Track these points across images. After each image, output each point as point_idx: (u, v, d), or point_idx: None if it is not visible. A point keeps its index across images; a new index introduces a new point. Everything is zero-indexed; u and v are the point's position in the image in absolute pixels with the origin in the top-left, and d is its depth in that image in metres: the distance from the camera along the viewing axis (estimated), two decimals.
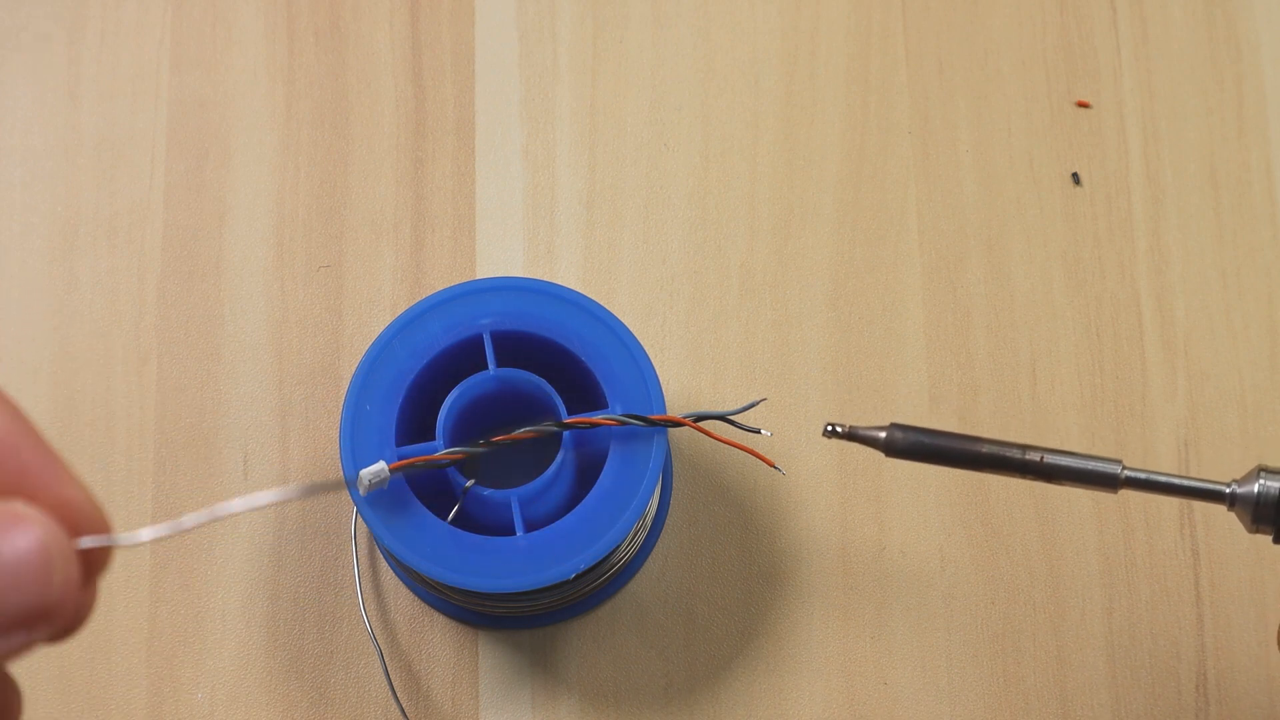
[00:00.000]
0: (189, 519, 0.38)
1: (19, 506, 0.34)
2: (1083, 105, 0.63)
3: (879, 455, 0.58)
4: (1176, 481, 0.47)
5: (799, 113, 0.63)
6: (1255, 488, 0.46)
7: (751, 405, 0.55)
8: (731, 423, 0.54)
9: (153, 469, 0.59)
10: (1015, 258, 0.61)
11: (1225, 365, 0.60)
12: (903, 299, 0.61)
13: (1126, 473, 0.47)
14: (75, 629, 0.34)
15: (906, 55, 0.63)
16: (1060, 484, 0.47)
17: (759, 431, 0.55)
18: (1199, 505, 0.58)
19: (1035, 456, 0.47)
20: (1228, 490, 0.46)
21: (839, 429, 0.48)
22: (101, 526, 0.36)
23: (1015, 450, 0.47)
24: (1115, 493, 0.47)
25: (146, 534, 0.37)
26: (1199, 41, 0.64)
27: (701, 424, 0.54)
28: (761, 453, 0.55)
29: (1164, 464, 0.59)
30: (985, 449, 0.47)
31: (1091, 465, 0.47)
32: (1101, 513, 0.59)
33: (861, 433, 0.48)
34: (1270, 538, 0.46)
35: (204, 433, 0.59)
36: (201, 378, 0.60)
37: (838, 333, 0.60)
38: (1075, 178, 0.62)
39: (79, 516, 0.35)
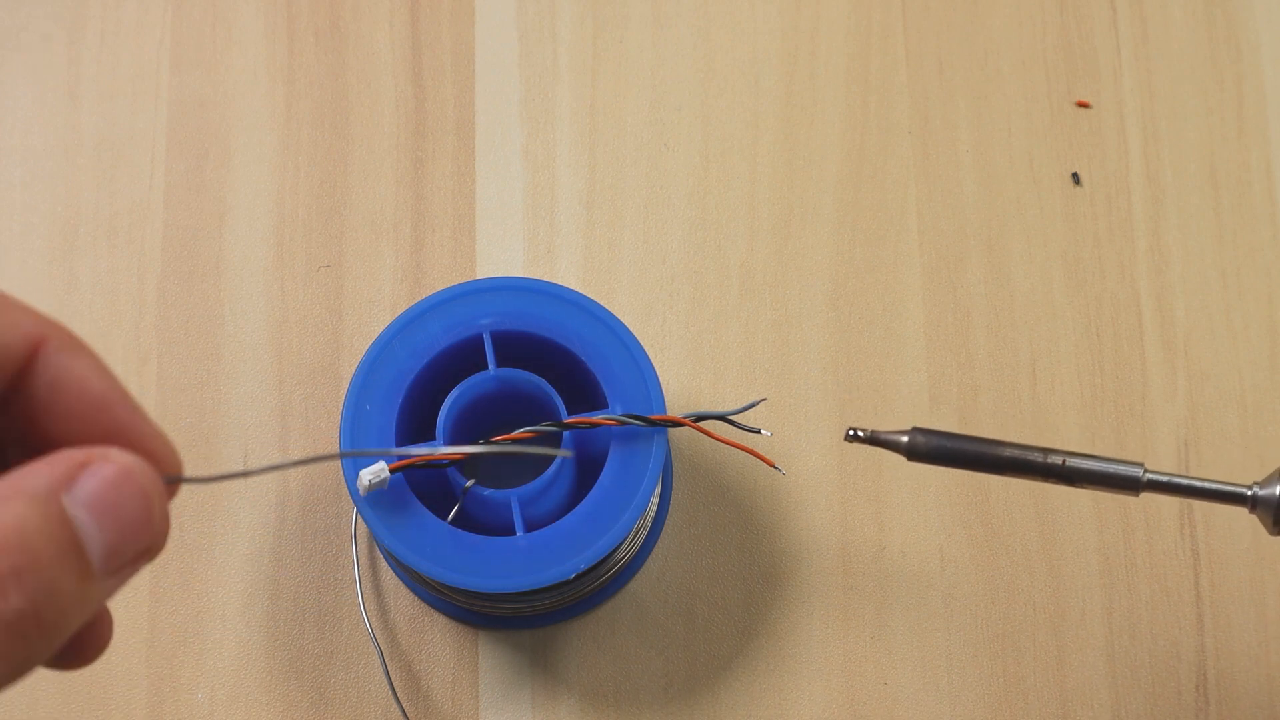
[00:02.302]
0: (256, 468, 0.46)
1: (126, 457, 0.38)
2: (1083, 105, 0.63)
3: (878, 455, 0.59)
4: (1198, 484, 0.47)
5: (799, 113, 0.63)
6: (1277, 490, 0.46)
7: (751, 405, 0.55)
8: (731, 423, 0.54)
9: None
10: (1015, 258, 0.61)
11: (1225, 365, 0.60)
12: (903, 299, 0.61)
13: (1149, 475, 0.47)
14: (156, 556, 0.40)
15: (906, 55, 0.63)
16: (1082, 487, 0.47)
17: (759, 431, 0.55)
18: (1199, 505, 0.58)
19: (1058, 460, 0.47)
20: (1249, 493, 0.46)
21: (860, 433, 0.48)
22: (177, 465, 0.41)
23: (1037, 454, 0.47)
24: (1137, 495, 0.47)
25: (216, 475, 0.43)
26: (1199, 41, 0.64)
27: (701, 424, 0.54)
28: (761, 453, 0.55)
29: (1164, 464, 0.59)
30: (1007, 453, 0.47)
31: (1114, 468, 0.47)
32: (1101, 513, 0.59)
33: (883, 437, 0.48)
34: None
35: (204, 433, 0.59)
36: (201, 378, 0.60)
37: (838, 333, 0.60)
38: (1075, 178, 0.62)
39: (163, 462, 0.40)
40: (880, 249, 0.61)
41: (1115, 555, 0.58)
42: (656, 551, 0.58)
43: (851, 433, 0.48)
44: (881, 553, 0.58)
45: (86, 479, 0.38)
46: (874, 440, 0.48)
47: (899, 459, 0.59)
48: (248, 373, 0.60)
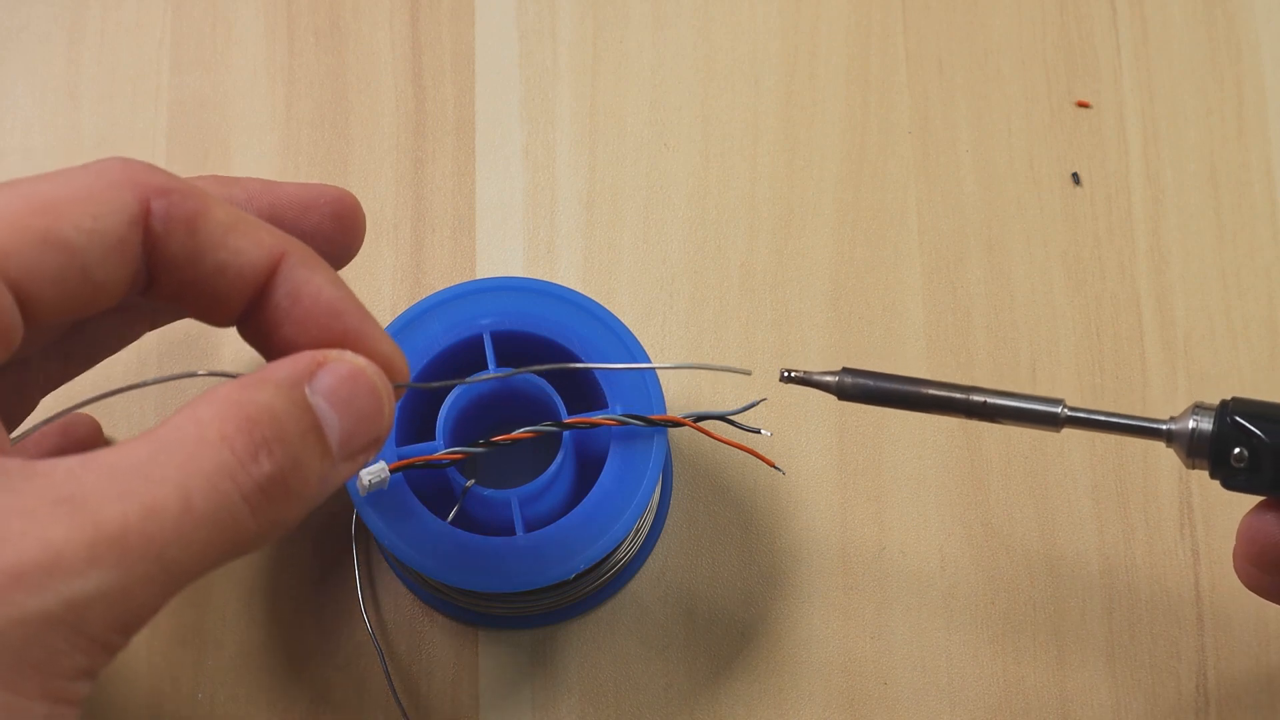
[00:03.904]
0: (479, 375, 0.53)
1: (358, 359, 0.44)
2: (1083, 105, 0.63)
3: (879, 455, 0.59)
4: (1117, 420, 0.48)
5: (799, 113, 0.63)
6: (1189, 424, 0.48)
7: (751, 405, 0.55)
8: (731, 423, 0.54)
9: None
10: (1015, 258, 0.61)
11: (1225, 365, 0.60)
12: (903, 299, 0.61)
13: (1067, 411, 0.48)
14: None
15: (906, 55, 0.63)
16: (1003, 424, 0.49)
17: (759, 431, 0.55)
18: (1199, 505, 0.58)
19: (979, 399, 0.49)
20: (1164, 427, 0.48)
21: (793, 374, 0.50)
22: (404, 374, 0.46)
23: (960, 393, 0.49)
24: (1059, 431, 0.49)
25: (438, 383, 0.53)
26: (1199, 41, 0.64)
27: (701, 424, 0.54)
28: (761, 453, 0.55)
29: (1165, 464, 0.59)
30: (931, 392, 0.49)
31: (1033, 405, 0.49)
32: (1101, 513, 0.59)
33: (815, 378, 0.50)
34: (1206, 473, 0.48)
35: None
36: (204, 378, 0.60)
37: (838, 333, 0.60)
38: (1075, 178, 0.62)
39: (389, 366, 0.45)
40: (880, 249, 0.61)
41: (1115, 555, 0.58)
42: (656, 551, 0.58)
43: (786, 374, 0.50)
44: (881, 553, 0.58)
45: (324, 375, 0.43)
46: (806, 381, 0.50)
47: (899, 460, 0.59)
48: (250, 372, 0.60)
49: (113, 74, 0.63)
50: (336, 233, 0.51)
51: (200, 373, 0.47)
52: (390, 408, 0.45)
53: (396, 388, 0.45)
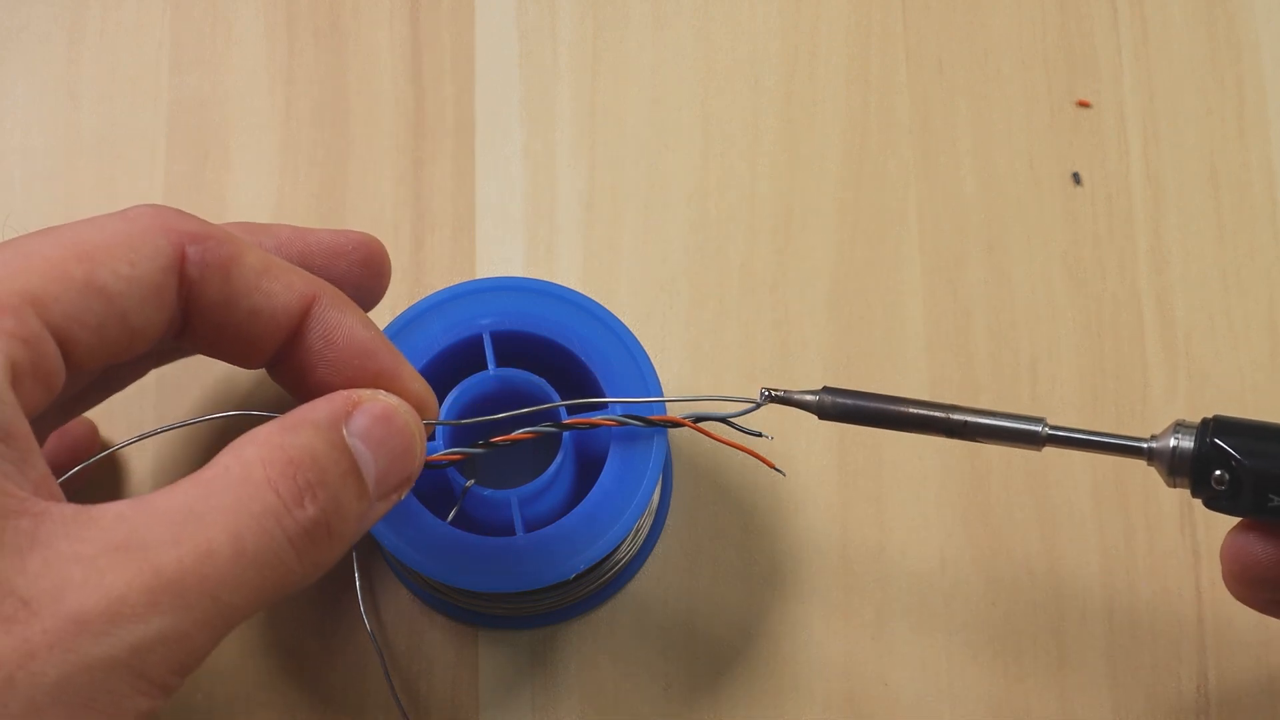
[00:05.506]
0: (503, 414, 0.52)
1: (391, 398, 0.45)
2: (1083, 105, 0.63)
3: (879, 456, 0.59)
4: (1098, 438, 0.48)
5: (799, 112, 0.63)
6: (1170, 442, 0.48)
7: (752, 407, 0.55)
8: (732, 425, 0.54)
9: (153, 471, 0.59)
10: (1015, 258, 0.61)
11: (1225, 365, 0.60)
12: (903, 299, 0.61)
13: (1048, 430, 0.48)
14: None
15: (906, 55, 0.63)
16: (984, 442, 0.49)
17: (759, 434, 0.55)
18: (1199, 505, 0.58)
19: (959, 418, 0.49)
20: (1145, 446, 0.48)
21: (775, 393, 0.50)
22: (434, 412, 0.48)
23: (940, 412, 0.49)
24: (1040, 450, 0.49)
25: (469, 419, 0.52)
26: (1199, 41, 0.64)
27: (701, 425, 0.54)
28: (762, 453, 0.55)
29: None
30: (912, 411, 0.49)
31: (1014, 424, 0.48)
32: (1101, 513, 0.59)
33: (795, 397, 0.50)
34: (1188, 491, 0.48)
35: (207, 432, 0.59)
36: (203, 378, 0.60)
37: (838, 333, 0.60)
38: (1075, 178, 0.62)
39: (420, 405, 0.47)
40: (880, 249, 0.61)
41: (1115, 555, 0.58)
42: (656, 551, 0.58)
43: (766, 393, 0.51)
44: (881, 553, 0.58)
45: (359, 415, 0.44)
46: (787, 400, 0.50)
47: (899, 460, 0.59)
48: (249, 374, 0.60)
49: (113, 74, 0.63)
50: (365, 278, 0.52)
51: (235, 413, 0.49)
52: (422, 446, 0.46)
53: (426, 425, 0.46)
